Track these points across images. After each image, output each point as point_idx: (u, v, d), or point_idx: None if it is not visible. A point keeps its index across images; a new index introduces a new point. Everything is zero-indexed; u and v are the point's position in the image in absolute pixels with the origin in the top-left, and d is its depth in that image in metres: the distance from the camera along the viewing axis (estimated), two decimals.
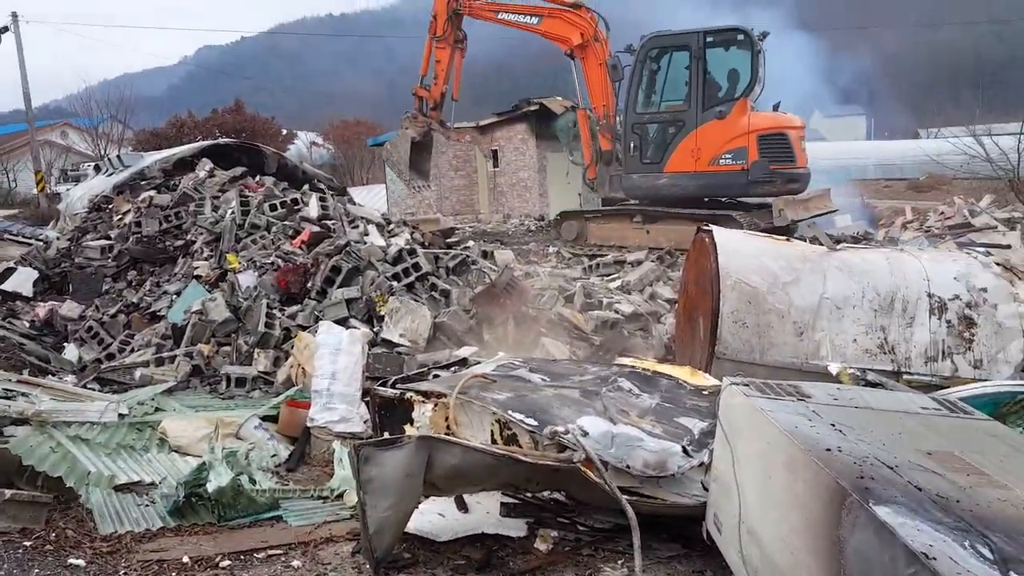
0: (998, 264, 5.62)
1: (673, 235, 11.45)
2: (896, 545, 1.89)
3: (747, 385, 3.16)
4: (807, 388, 3.16)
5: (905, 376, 4.86)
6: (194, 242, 8.61)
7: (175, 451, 5.01)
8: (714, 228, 5.86)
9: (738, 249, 5.52)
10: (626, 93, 12.29)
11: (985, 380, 4.53)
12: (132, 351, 7.25)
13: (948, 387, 4.37)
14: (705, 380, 4.71)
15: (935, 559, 1.79)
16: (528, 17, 13.15)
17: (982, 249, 10.68)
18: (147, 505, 4.23)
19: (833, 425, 2.70)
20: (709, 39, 11.87)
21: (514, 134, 25.31)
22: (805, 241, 6.70)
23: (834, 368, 4.55)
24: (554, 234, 14.57)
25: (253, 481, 4.38)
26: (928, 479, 2.27)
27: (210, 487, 4.07)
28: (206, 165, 10.15)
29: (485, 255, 9.83)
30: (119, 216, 9.76)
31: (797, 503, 2.39)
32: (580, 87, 13.34)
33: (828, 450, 2.43)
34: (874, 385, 4.03)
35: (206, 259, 8.25)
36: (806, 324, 5.11)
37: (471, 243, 11.05)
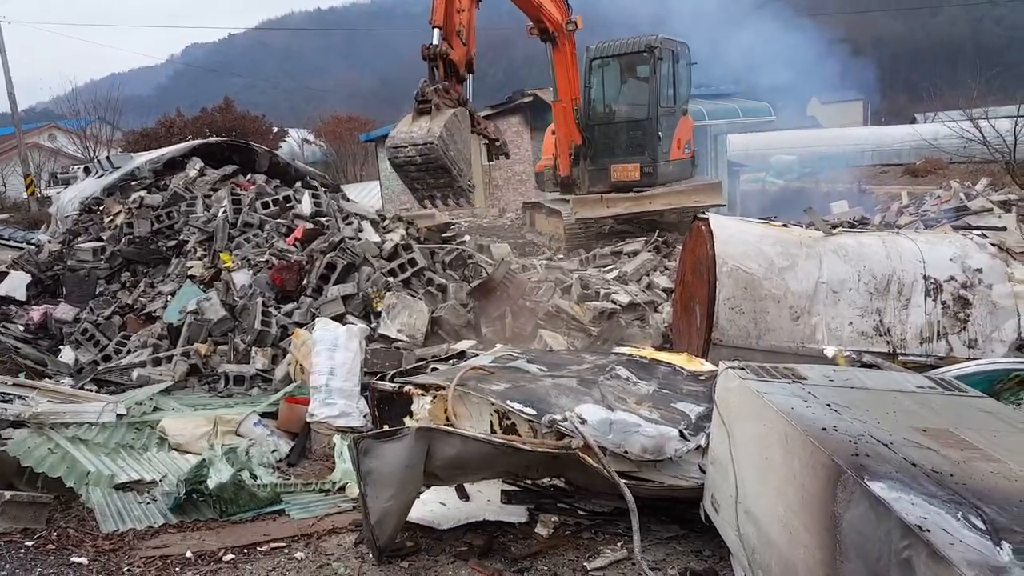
0: (993, 245, 5.64)
1: (553, 225, 13.59)
2: (891, 519, 1.91)
3: (743, 368, 3.18)
4: (803, 370, 3.18)
5: (900, 357, 4.88)
6: (187, 242, 8.58)
7: (175, 449, 5.04)
8: (710, 215, 5.88)
9: (734, 236, 5.53)
10: (654, 88, 12.86)
11: (979, 359, 4.55)
12: (128, 352, 7.24)
13: (943, 367, 4.38)
14: (701, 366, 4.74)
15: (929, 531, 1.81)
16: None
17: (978, 232, 10.72)
18: (148, 503, 4.26)
19: (829, 405, 2.71)
20: (679, 48, 13.30)
21: (508, 126, 25.21)
22: (802, 227, 6.71)
23: (830, 351, 4.56)
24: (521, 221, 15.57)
25: (254, 476, 4.41)
26: (922, 455, 2.28)
27: (211, 483, 4.11)
28: (196, 164, 10.11)
29: (481, 249, 9.84)
30: (110, 218, 9.71)
31: (793, 482, 2.41)
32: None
33: (824, 429, 2.44)
34: (869, 367, 4.05)
35: (200, 259, 8.23)
36: (802, 309, 5.13)
37: (467, 238, 11.06)
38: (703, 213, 5.93)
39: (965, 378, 3.61)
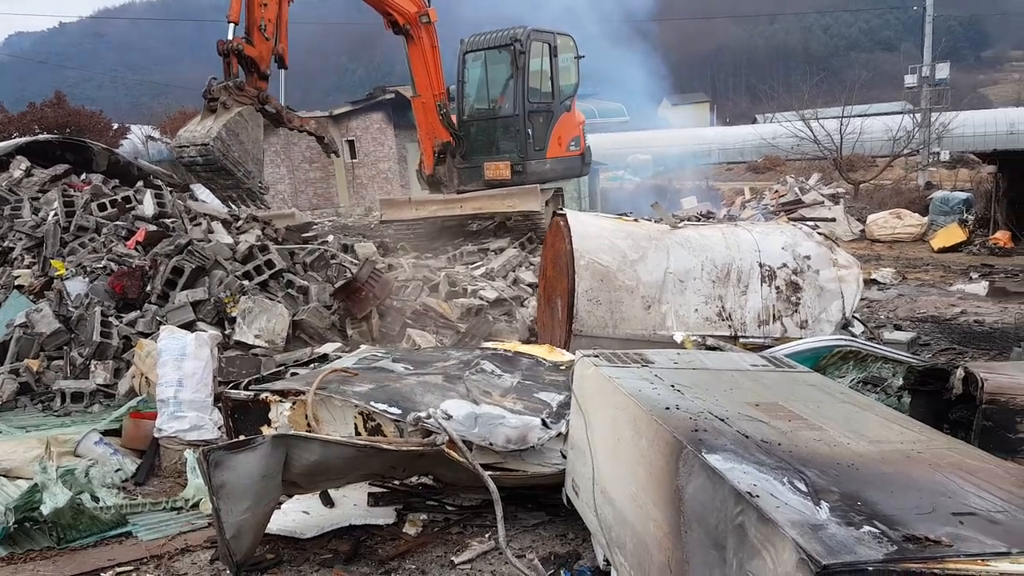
0: (820, 234, 6.19)
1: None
2: (725, 488, 2.04)
3: (597, 356, 3.30)
4: (651, 355, 3.34)
5: (741, 339, 5.26)
6: (12, 249, 7.80)
7: (3, 475, 4.55)
8: (568, 212, 6.05)
9: (590, 231, 5.74)
10: (521, 82, 12.29)
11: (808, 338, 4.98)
12: None
13: (777, 347, 4.76)
14: (562, 356, 4.88)
15: (758, 496, 1.95)
16: None
17: (811, 223, 11.73)
18: None
19: (673, 386, 2.87)
20: (559, 40, 12.83)
21: (371, 123, 24.87)
22: (651, 221, 7.06)
23: (679, 337, 4.84)
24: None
25: (96, 499, 4.07)
26: (755, 427, 2.47)
27: (45, 509, 3.76)
28: (22, 164, 9.22)
29: (345, 249, 9.61)
30: None
31: (642, 460, 2.53)
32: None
33: (667, 408, 2.58)
34: (713, 349, 4.32)
35: (28, 267, 7.51)
36: (653, 298, 5.40)
37: (330, 238, 10.76)
38: (561, 209, 6.10)
39: (795, 355, 3.93)
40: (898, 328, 7.72)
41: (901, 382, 4.14)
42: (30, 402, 6.08)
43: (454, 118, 12.89)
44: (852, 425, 2.57)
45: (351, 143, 25.36)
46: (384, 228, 12.65)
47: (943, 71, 24.20)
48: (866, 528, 1.79)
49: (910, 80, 24.52)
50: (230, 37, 7.90)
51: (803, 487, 2.03)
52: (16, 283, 7.26)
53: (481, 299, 8.09)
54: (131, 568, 3.53)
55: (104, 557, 3.65)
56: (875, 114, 26.35)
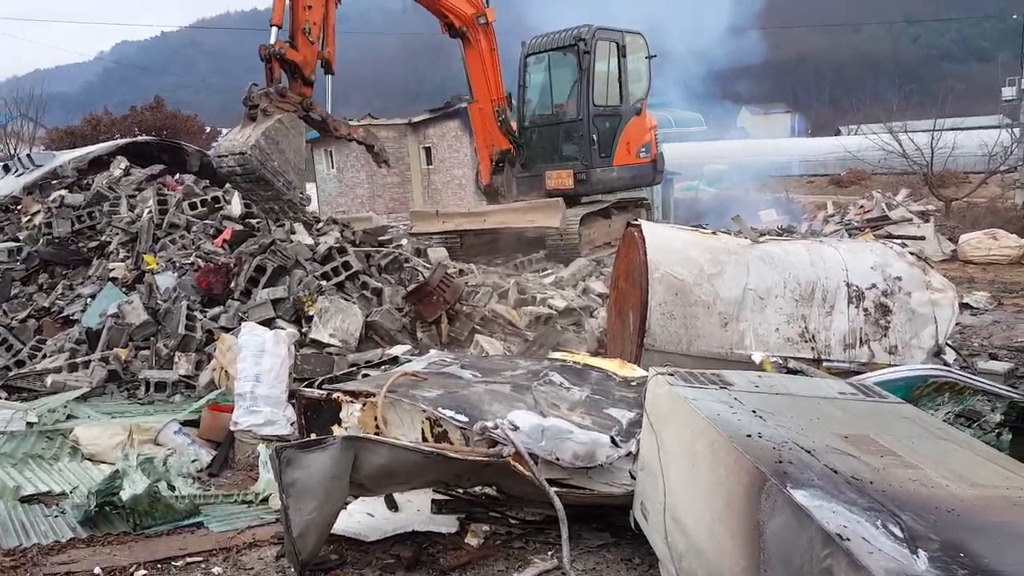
0: (912, 254, 5.86)
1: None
2: (812, 527, 1.92)
3: (672, 375, 3.18)
4: (730, 376, 3.20)
5: (825, 363, 5.01)
6: (109, 243, 8.25)
7: (88, 459, 4.79)
8: (643, 222, 5.92)
9: (665, 242, 5.59)
10: (586, 84, 11.73)
11: (899, 365, 4.70)
12: (44, 357, 6.90)
13: (865, 373, 4.51)
14: (634, 371, 4.76)
15: (849, 540, 1.82)
16: None
17: (899, 241, 11.19)
18: (56, 516, 4.03)
19: (754, 411, 2.73)
20: (628, 39, 12.20)
21: (447, 131, 25.15)
22: (730, 234, 6.84)
23: (757, 357, 4.64)
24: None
25: (172, 487, 4.20)
26: (843, 462, 2.31)
27: (124, 495, 3.91)
28: (121, 163, 9.75)
29: (419, 253, 9.72)
30: (28, 217, 9.30)
31: (719, 488, 2.41)
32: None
33: (748, 436, 2.45)
34: (795, 372, 4.13)
35: (122, 260, 7.92)
36: (731, 315, 5.21)
37: (404, 241, 10.89)
38: (635, 219, 5.98)
39: (885, 384, 3.70)
40: (993, 357, 7.23)
41: (1000, 418, 3.86)
42: (117, 389, 6.36)
43: (514, 125, 12.43)
44: (950, 464, 2.38)
45: (427, 149, 25.73)
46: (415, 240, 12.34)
47: None
48: None
49: (1008, 93, 23.08)
50: (272, 41, 7.53)
51: (898, 532, 1.89)
52: (111, 275, 7.66)
53: (550, 308, 8.02)
54: (201, 559, 3.61)
55: (176, 545, 3.74)
56: (969, 128, 24.94)
